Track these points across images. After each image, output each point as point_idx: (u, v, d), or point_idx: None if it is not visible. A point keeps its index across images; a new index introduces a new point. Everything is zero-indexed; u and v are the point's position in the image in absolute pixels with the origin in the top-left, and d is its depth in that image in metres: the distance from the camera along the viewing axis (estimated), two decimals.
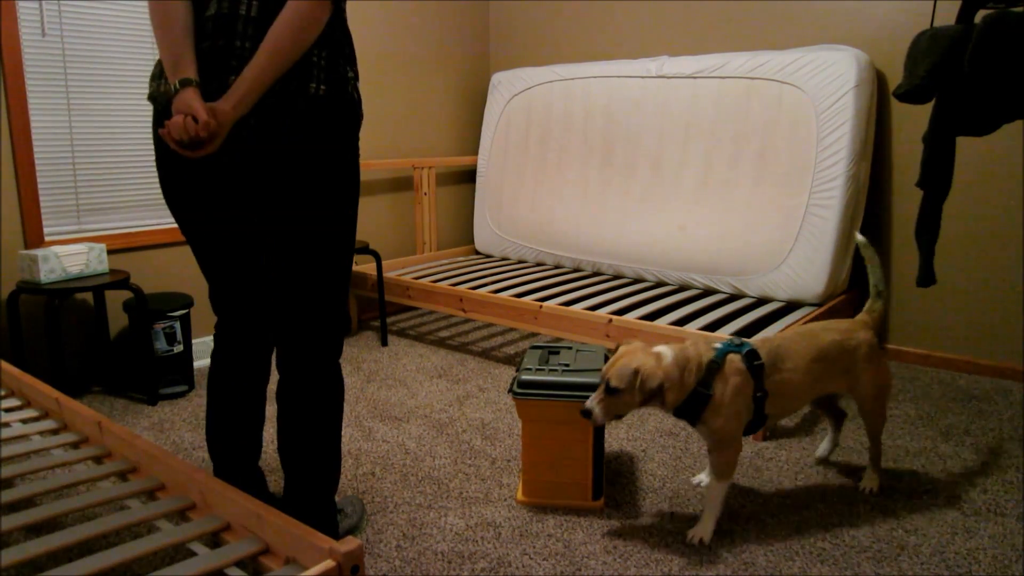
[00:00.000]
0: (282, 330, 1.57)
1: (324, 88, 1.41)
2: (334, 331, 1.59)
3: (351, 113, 1.48)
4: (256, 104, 1.37)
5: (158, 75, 1.49)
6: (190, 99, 1.32)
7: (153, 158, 3.12)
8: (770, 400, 1.81)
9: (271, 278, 1.55)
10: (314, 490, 1.62)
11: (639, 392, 1.70)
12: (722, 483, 1.81)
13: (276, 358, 1.63)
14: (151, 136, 3.09)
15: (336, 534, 1.70)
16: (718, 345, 1.80)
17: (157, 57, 3.07)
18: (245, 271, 1.63)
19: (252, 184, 1.46)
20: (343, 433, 2.50)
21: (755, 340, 1.85)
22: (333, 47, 1.45)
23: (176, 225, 3.20)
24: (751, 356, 1.78)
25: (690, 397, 1.73)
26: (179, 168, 1.50)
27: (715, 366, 1.74)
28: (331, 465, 1.63)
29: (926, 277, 1.96)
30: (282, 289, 1.53)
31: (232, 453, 1.75)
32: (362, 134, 3.85)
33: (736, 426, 1.77)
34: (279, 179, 1.44)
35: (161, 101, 1.46)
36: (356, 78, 1.50)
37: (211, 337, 3.32)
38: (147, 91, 1.59)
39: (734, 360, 1.77)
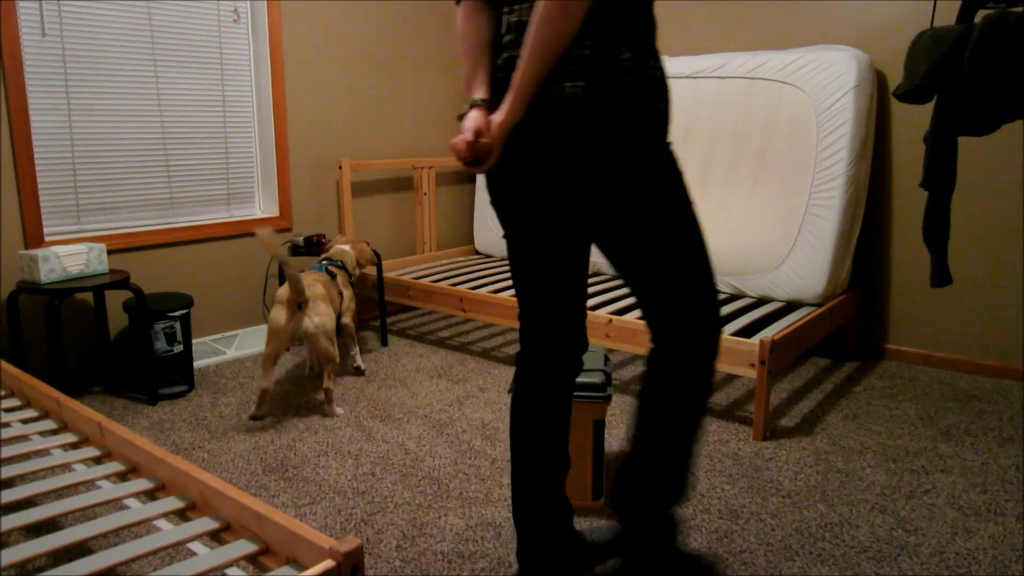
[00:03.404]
0: (658, 326, 1.46)
1: (581, 86, 1.29)
2: (703, 327, 1.43)
3: (630, 108, 1.31)
4: (527, 111, 1.32)
5: None
6: (468, 119, 1.34)
7: (156, 160, 3.13)
8: None
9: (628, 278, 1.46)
10: (662, 489, 1.50)
11: None
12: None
13: (651, 357, 1.50)
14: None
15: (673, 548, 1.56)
16: None
17: (158, 57, 3.08)
18: (569, 283, 1.49)
19: (554, 193, 1.38)
20: (344, 433, 2.50)
21: None
22: (617, 36, 1.30)
23: (177, 224, 3.20)
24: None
25: None
26: (501, 187, 1.44)
27: None
28: (684, 474, 1.50)
29: (941, 277, 1.95)
30: (642, 287, 1.44)
31: (547, 510, 1.56)
32: (362, 134, 3.85)
33: None
34: (573, 190, 1.35)
35: (459, 119, 1.45)
36: (640, 60, 1.32)
37: (211, 338, 3.32)
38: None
39: None
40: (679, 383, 1.45)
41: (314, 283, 2.65)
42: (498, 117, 1.31)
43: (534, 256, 1.45)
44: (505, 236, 1.50)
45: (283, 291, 2.58)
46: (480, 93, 1.37)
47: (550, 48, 1.26)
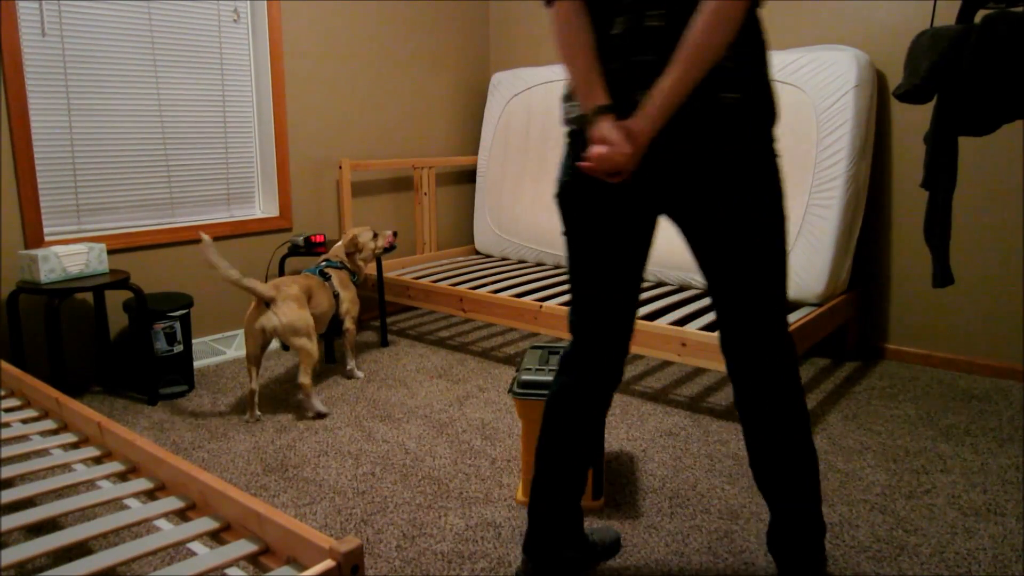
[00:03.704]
0: (735, 342, 1.48)
1: (737, 97, 1.32)
2: (781, 331, 1.47)
3: (767, 116, 1.38)
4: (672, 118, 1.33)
5: (566, 98, 1.45)
6: (608, 129, 1.30)
7: (156, 160, 3.12)
8: None
9: (713, 286, 1.46)
10: (804, 505, 1.51)
11: None
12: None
13: (733, 375, 1.51)
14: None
15: (822, 553, 1.57)
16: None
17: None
18: (632, 286, 1.53)
19: (666, 196, 1.40)
20: (344, 433, 2.50)
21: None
22: (749, 48, 1.35)
23: (177, 224, 3.20)
24: None
25: None
26: (592, 184, 1.44)
27: None
28: (813, 478, 1.51)
29: (943, 277, 1.95)
30: (723, 300, 1.45)
31: (563, 509, 1.58)
32: (362, 134, 3.85)
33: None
34: (698, 192, 1.37)
35: (578, 125, 1.42)
36: (769, 74, 1.40)
37: (211, 338, 3.32)
38: (566, 114, 1.49)
39: None
40: (759, 387, 1.47)
41: (290, 283, 2.65)
42: (642, 125, 1.29)
43: (609, 258, 1.48)
44: (568, 234, 1.50)
45: None
46: (603, 99, 1.34)
47: (711, 58, 1.26)
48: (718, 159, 1.34)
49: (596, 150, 1.30)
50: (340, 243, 3.08)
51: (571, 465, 1.55)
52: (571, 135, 1.47)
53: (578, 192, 1.45)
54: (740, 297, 1.43)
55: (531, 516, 1.59)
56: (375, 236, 3.14)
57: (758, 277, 1.41)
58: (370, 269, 3.65)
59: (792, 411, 1.47)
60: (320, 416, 2.64)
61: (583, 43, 1.35)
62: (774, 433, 1.47)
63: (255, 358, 2.61)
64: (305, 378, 2.62)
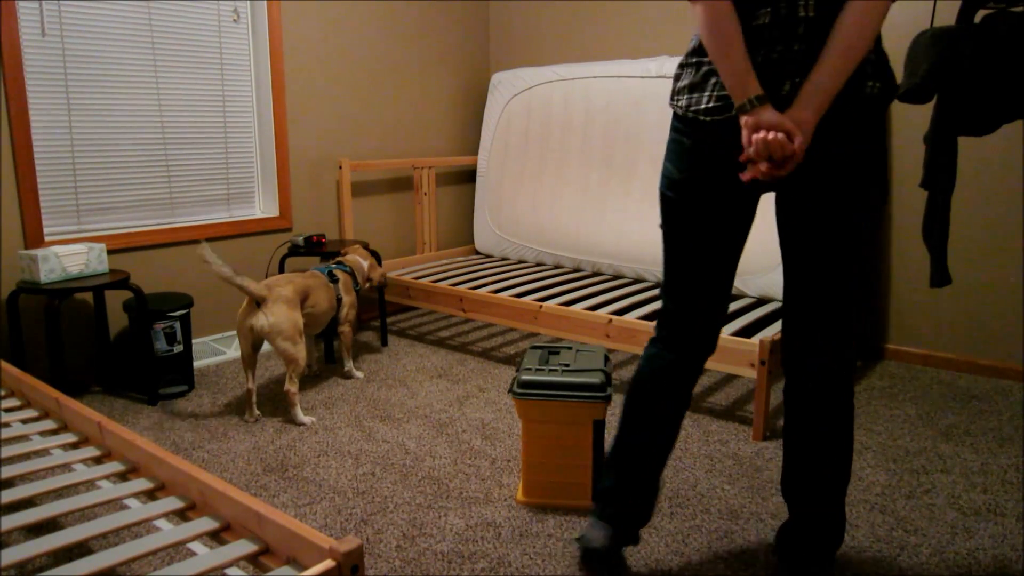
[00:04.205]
0: (802, 334, 1.51)
1: (879, 86, 1.37)
2: (851, 338, 1.50)
3: (887, 108, 1.43)
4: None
5: (688, 89, 1.46)
6: (777, 117, 1.31)
7: (156, 160, 3.12)
8: None
9: (794, 279, 1.50)
10: (833, 511, 1.56)
11: None
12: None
13: (790, 369, 1.55)
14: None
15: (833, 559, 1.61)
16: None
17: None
18: (729, 273, 1.56)
19: (796, 186, 1.43)
20: (344, 433, 2.50)
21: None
22: (879, 40, 1.39)
23: (177, 224, 3.20)
24: None
25: None
26: (720, 169, 1.45)
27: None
28: (846, 485, 1.56)
29: (940, 277, 1.95)
30: (806, 290, 1.48)
31: (655, 473, 1.65)
32: (362, 134, 3.85)
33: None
34: (830, 182, 1.40)
35: (719, 114, 1.41)
36: None
37: (211, 338, 3.32)
38: (676, 102, 1.49)
39: None
40: (818, 388, 1.50)
41: (284, 284, 2.61)
42: (806, 115, 1.30)
43: (722, 243, 1.51)
44: (678, 225, 1.52)
45: None
46: (759, 89, 1.33)
47: (865, 48, 1.30)
48: (856, 147, 1.38)
49: (769, 136, 1.31)
50: (365, 263, 3.10)
51: (669, 435, 1.61)
52: (692, 126, 1.45)
53: (700, 182, 1.46)
54: (825, 285, 1.46)
55: (618, 486, 1.64)
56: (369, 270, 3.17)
57: (848, 267, 1.44)
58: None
59: (846, 415, 1.50)
60: (301, 425, 2.59)
61: (736, 33, 1.34)
62: (825, 440, 1.51)
63: (249, 358, 2.60)
64: (291, 385, 2.58)
